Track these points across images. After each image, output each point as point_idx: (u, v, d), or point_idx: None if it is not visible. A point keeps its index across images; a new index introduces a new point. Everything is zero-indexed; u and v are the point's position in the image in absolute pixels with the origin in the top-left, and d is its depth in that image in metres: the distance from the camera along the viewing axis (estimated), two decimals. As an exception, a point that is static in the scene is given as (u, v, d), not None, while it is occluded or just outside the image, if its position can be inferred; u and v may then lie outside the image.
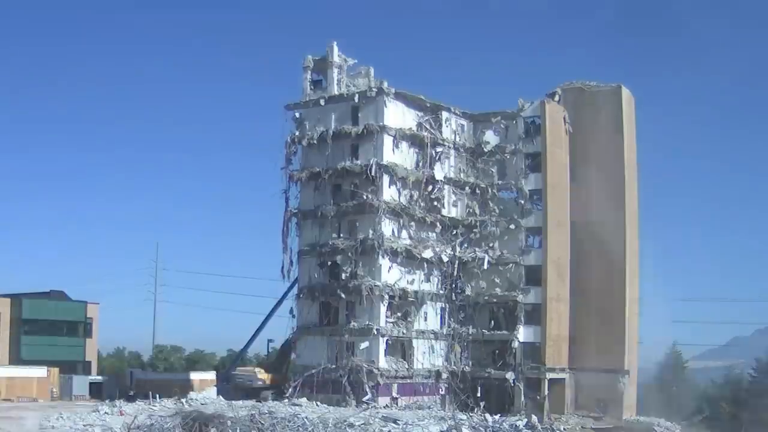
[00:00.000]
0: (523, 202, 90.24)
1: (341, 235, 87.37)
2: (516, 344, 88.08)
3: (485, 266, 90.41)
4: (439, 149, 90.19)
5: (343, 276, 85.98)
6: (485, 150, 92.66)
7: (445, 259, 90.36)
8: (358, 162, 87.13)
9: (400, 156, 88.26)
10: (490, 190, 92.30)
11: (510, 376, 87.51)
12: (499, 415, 76.03)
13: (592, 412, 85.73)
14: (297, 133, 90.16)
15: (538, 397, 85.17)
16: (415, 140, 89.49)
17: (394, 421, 65.48)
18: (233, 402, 76.09)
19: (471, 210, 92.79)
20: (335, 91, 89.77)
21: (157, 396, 79.75)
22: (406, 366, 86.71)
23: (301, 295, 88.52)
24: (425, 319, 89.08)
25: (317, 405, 77.14)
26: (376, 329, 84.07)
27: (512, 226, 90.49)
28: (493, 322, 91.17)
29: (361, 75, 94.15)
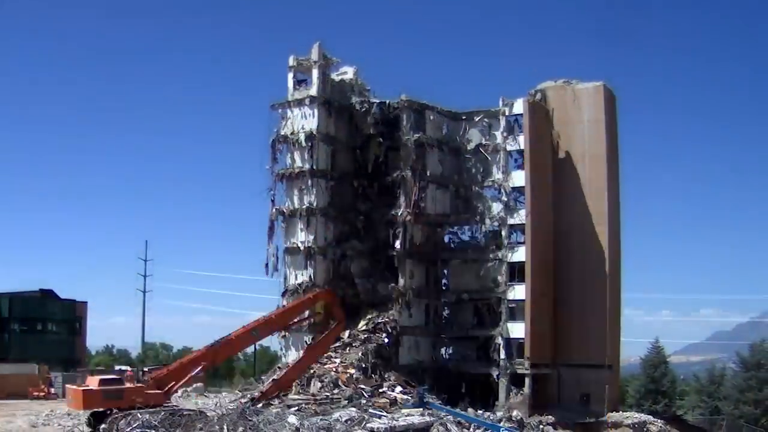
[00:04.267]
0: (506, 199, 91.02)
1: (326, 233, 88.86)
2: (500, 340, 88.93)
3: (469, 263, 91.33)
4: (421, 148, 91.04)
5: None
6: (468, 148, 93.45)
7: (429, 256, 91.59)
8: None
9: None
10: (473, 188, 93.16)
11: (494, 371, 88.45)
12: (482, 410, 77.02)
13: (576, 408, 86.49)
14: (282, 132, 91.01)
15: (521, 393, 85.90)
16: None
17: (379, 417, 66.12)
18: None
19: (455, 208, 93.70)
20: (318, 90, 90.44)
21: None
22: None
23: (287, 294, 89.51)
24: (410, 316, 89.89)
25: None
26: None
27: (496, 224, 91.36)
28: (477, 318, 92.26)
29: (345, 74, 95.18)
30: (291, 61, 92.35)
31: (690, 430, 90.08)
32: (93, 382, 61.29)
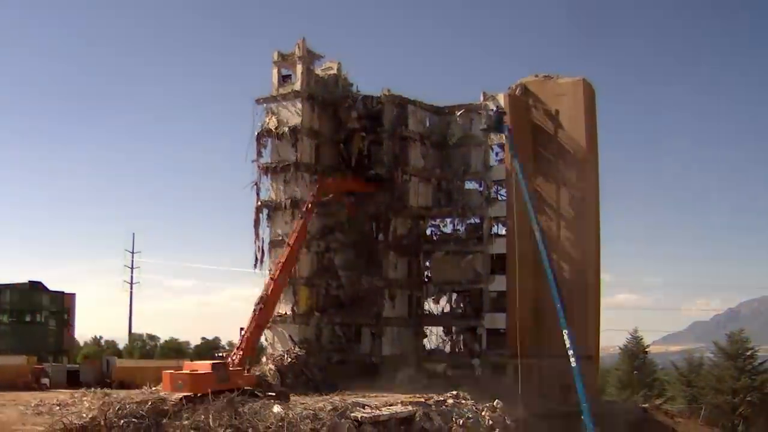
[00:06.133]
0: (487, 192, 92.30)
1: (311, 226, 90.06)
2: (481, 331, 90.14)
3: (451, 255, 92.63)
4: (404, 141, 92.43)
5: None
6: (450, 143, 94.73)
7: (412, 249, 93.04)
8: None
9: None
10: (455, 181, 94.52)
11: (476, 362, 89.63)
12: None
13: (557, 397, 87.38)
14: (267, 126, 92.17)
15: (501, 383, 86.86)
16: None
17: (363, 407, 67.16)
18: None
19: (437, 201, 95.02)
20: (302, 85, 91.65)
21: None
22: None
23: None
24: (393, 307, 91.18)
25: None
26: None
27: (477, 218, 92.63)
28: (459, 309, 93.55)
29: (329, 69, 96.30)
30: (275, 56, 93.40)
31: None
32: (202, 367, 65.06)
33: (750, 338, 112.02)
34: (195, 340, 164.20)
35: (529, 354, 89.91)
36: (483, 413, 72.79)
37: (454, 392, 78.73)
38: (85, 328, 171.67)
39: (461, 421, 69.91)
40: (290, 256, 79.57)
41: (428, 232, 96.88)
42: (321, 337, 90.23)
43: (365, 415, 64.51)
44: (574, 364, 72.69)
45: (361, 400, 70.33)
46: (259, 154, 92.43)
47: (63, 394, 74.83)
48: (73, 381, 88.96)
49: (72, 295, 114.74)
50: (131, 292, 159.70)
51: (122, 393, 70.62)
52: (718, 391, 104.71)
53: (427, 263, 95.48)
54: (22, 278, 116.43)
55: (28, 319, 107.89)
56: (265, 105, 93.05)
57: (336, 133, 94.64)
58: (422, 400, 72.36)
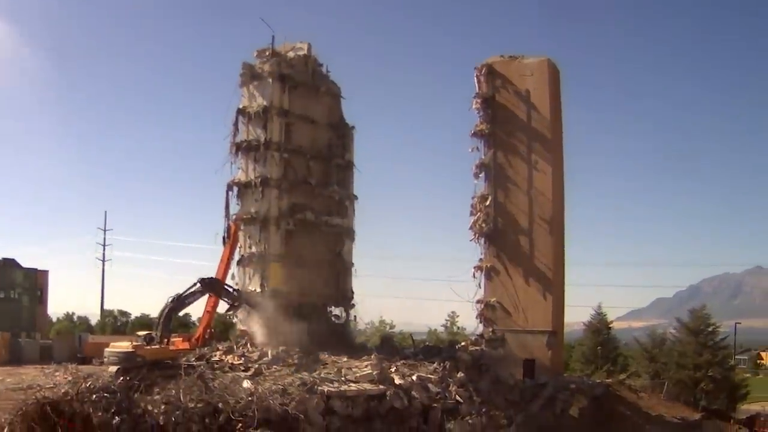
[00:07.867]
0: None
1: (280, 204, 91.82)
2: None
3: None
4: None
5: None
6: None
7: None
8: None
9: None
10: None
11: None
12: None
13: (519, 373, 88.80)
14: (239, 106, 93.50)
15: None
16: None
17: (331, 383, 68.62)
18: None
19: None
20: (273, 65, 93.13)
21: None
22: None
23: (244, 261, 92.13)
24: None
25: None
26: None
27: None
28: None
29: (300, 50, 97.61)
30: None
31: None
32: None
33: (711, 314, 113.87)
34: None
35: (493, 329, 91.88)
36: (451, 388, 74.53)
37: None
38: (57, 305, 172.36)
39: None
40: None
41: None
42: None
43: (332, 389, 66.01)
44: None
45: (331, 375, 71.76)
46: (231, 132, 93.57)
47: (36, 370, 75.87)
48: (46, 357, 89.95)
49: (45, 272, 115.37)
50: (103, 269, 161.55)
51: (89, 368, 72.13)
52: (681, 366, 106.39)
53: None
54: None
55: (1, 295, 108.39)
56: (240, 86, 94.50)
57: (306, 113, 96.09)
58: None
